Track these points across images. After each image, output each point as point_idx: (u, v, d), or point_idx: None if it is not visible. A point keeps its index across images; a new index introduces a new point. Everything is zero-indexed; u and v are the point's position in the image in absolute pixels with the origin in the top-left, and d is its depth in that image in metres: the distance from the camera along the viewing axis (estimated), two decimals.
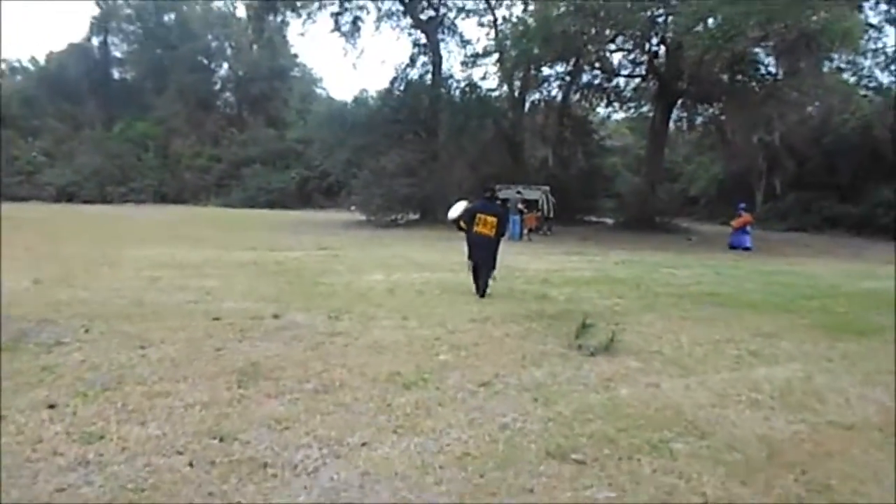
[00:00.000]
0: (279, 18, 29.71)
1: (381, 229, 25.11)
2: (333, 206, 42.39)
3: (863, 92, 28.96)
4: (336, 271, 11.04)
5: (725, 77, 22.77)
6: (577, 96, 32.73)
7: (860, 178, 30.97)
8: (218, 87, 56.24)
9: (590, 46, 22.42)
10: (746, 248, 20.31)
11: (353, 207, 30.56)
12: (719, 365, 5.81)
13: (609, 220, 31.37)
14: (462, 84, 28.94)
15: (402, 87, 28.95)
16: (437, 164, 27.72)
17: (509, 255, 14.65)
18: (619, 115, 40.25)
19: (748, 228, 21.00)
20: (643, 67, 26.68)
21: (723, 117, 26.53)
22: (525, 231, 22.73)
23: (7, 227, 16.08)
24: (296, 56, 57.95)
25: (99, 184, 47.01)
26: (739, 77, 22.11)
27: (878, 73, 29.97)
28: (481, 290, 8.84)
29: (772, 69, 21.72)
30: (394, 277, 10.51)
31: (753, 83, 21.78)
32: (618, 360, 5.76)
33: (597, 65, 28.09)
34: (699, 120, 31.07)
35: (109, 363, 4.82)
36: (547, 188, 26.09)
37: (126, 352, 5.15)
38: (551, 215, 25.81)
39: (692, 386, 5.10)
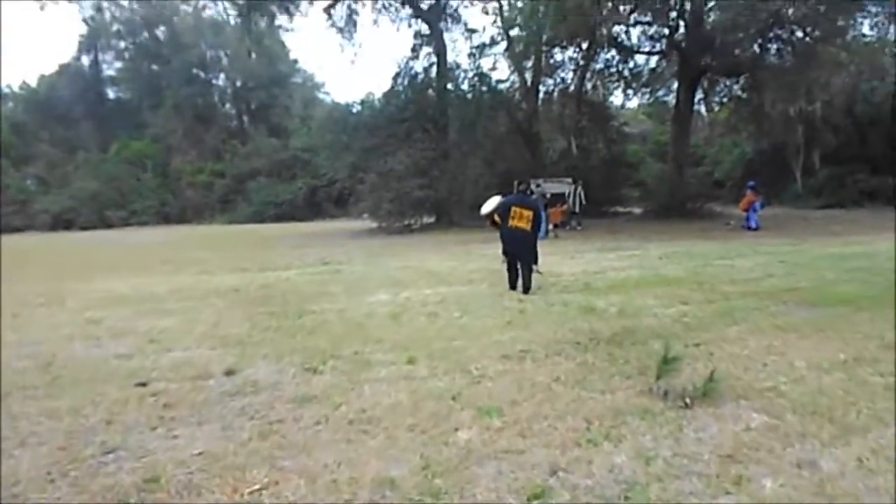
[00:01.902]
0: (265, 19, 27.87)
1: (393, 236, 23.22)
2: (345, 215, 40.67)
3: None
4: (332, 294, 9.13)
5: (757, 44, 20.43)
6: (592, 83, 30.66)
7: (893, 148, 28.75)
8: (216, 98, 54.60)
9: (606, 22, 20.31)
10: (752, 228, 18.87)
11: (365, 215, 28.67)
12: (878, 409, 3.82)
13: (636, 210, 29.21)
14: (470, 74, 26.93)
15: (405, 82, 27.01)
16: (449, 162, 25.75)
17: (539, 255, 12.73)
18: (634, 103, 38.12)
19: (756, 207, 19.41)
20: (662, 43, 24.47)
21: (748, 93, 24.17)
22: (550, 227, 20.68)
23: None
24: (295, 62, 56.44)
25: (97, 208, 45.55)
26: (774, 40, 19.67)
27: None
28: (524, 287, 8.52)
29: (807, 29, 19.28)
30: (402, 296, 8.57)
31: (790, 47, 19.34)
32: (728, 412, 3.82)
33: (612, 47, 25.99)
34: (728, 96, 28.77)
35: None
36: (572, 180, 24.11)
37: None
38: (577, 210, 23.80)
39: (869, 461, 3.12)
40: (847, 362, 4.92)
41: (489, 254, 14.18)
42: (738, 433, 3.53)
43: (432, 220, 26.68)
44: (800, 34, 19.02)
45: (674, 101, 34.91)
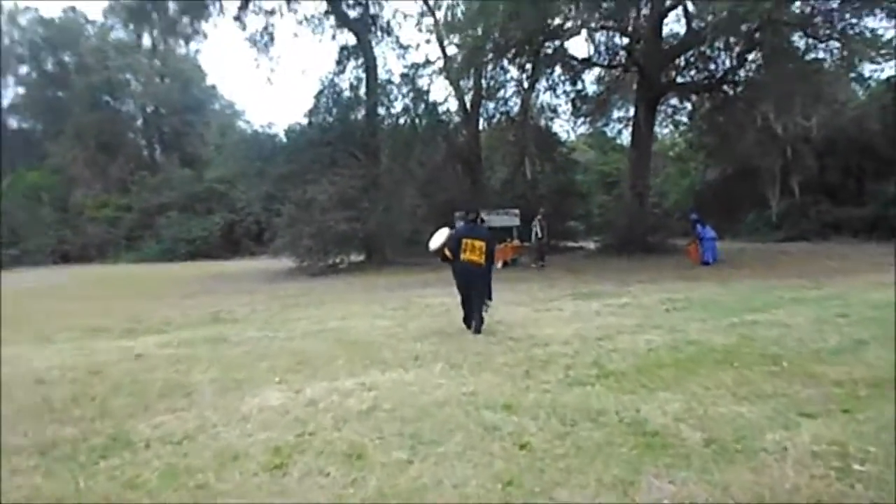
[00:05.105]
0: (162, 31, 24.10)
1: (315, 279, 19.56)
2: (265, 253, 36.61)
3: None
4: (191, 390, 5.52)
5: (735, 53, 18.24)
6: (538, 105, 28.21)
7: (852, 177, 27.49)
8: (123, 126, 49.23)
9: (562, 30, 17.77)
10: (708, 263, 17.14)
11: (287, 253, 25.00)
12: None
13: (588, 245, 26.57)
14: (405, 91, 23.78)
15: (330, 101, 23.65)
16: (380, 191, 22.41)
17: (502, 304, 9.55)
18: (573, 136, 35.97)
19: (711, 236, 17.71)
20: (621, 57, 22.14)
21: (716, 113, 22.08)
22: (499, 266, 17.64)
23: None
24: (213, 87, 52.09)
25: None
26: (761, 46, 17.37)
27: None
28: (475, 327, 7.77)
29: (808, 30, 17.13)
30: (305, 396, 5.10)
31: (780, 52, 17.03)
32: None
33: (560, 62, 23.55)
34: (674, 121, 27.00)
35: None
36: (517, 211, 21.35)
37: None
38: (525, 244, 20.92)
39: None
40: None
41: (435, 304, 10.89)
42: None
43: (361, 257, 23.25)
44: (797, 36, 16.74)
45: (618, 130, 33.24)
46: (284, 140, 25.91)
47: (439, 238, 8.29)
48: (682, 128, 29.00)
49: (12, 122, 54.03)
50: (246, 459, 3.75)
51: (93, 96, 45.67)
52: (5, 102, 52.46)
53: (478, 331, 7.68)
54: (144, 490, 3.38)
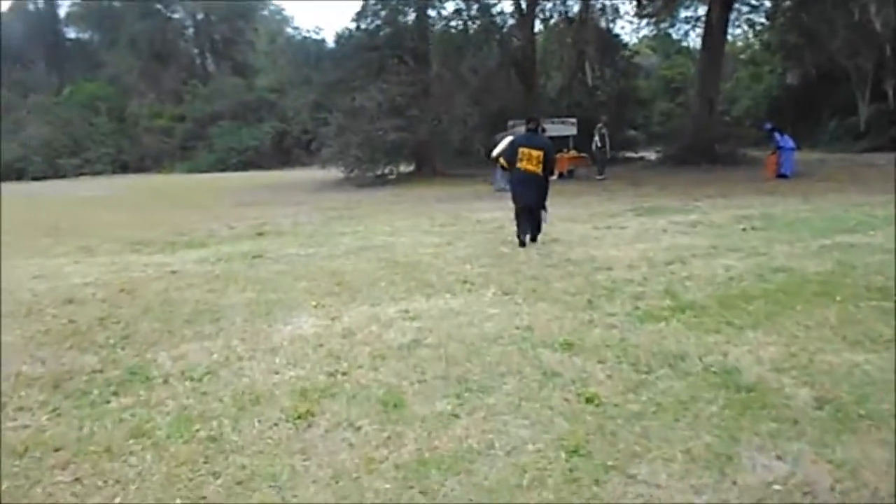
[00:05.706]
0: None
1: (363, 189, 19.08)
2: (316, 163, 36.29)
3: None
4: (220, 314, 5.10)
5: None
6: (599, 8, 26.11)
7: None
8: (175, 34, 48.39)
9: None
10: (785, 175, 15.47)
11: (338, 163, 24.51)
12: None
13: (649, 155, 25.04)
14: None
15: (379, 3, 22.28)
16: (430, 99, 21.34)
17: (558, 221, 8.99)
18: (636, 38, 33.29)
19: (789, 145, 15.95)
20: None
21: (799, 9, 19.72)
22: (555, 177, 16.70)
23: None
24: None
25: (49, 156, 40.43)
26: None
27: None
28: (531, 236, 7.67)
29: None
30: (342, 324, 4.62)
31: None
32: None
33: None
34: (771, 12, 24.28)
35: None
36: (573, 119, 20.07)
37: None
38: (583, 154, 19.83)
39: None
40: None
41: (486, 219, 10.25)
42: None
43: (411, 168, 22.58)
44: None
45: (685, 32, 30.74)
46: (332, 46, 24.84)
47: (503, 145, 8.39)
48: (758, 28, 26.44)
49: (70, 33, 54.22)
50: (268, 404, 3.29)
51: (144, 4, 44.81)
52: (62, 12, 52.63)
53: (534, 239, 7.69)
54: (150, 440, 2.96)
